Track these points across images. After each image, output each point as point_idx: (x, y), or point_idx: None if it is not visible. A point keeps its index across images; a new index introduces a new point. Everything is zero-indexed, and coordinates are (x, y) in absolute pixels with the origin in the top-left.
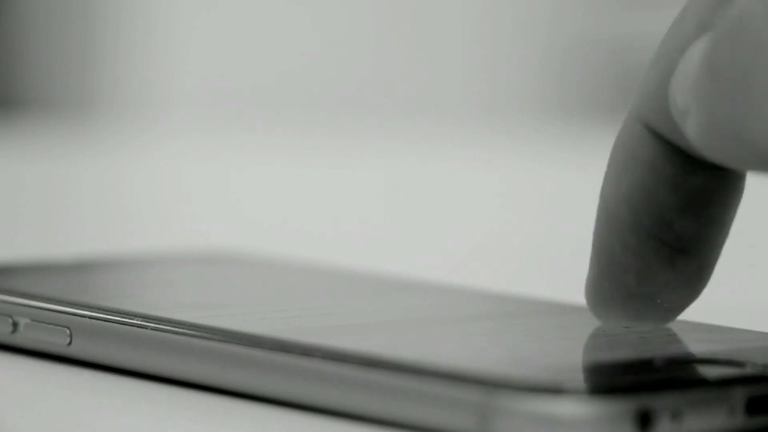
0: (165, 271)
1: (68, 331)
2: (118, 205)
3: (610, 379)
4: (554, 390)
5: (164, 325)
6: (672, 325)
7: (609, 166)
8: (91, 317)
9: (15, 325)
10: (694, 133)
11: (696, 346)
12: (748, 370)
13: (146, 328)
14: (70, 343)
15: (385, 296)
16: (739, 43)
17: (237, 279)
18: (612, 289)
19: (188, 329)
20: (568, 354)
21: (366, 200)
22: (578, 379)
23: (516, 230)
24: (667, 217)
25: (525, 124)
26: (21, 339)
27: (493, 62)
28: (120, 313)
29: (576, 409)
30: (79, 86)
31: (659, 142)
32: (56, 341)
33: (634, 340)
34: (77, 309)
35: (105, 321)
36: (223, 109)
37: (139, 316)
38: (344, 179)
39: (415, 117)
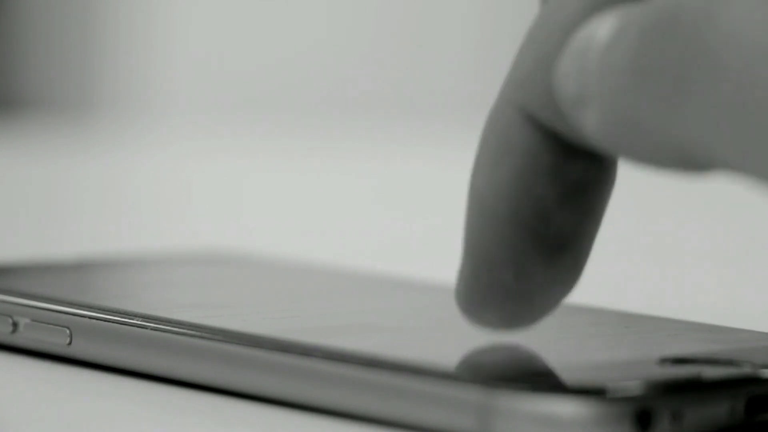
0: (165, 271)
1: (68, 331)
2: (119, 205)
3: (610, 379)
4: (554, 390)
5: (164, 325)
6: (672, 325)
7: (480, 153)
8: (91, 317)
9: (15, 325)
10: (593, 125)
11: (696, 346)
12: (748, 370)
13: (146, 328)
14: (70, 343)
15: (385, 296)
16: (673, 39)
17: (237, 279)
18: (487, 287)
19: (188, 329)
20: (568, 354)
21: (366, 200)
22: (578, 379)
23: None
24: (546, 210)
25: None
26: (21, 339)
27: (493, 63)
28: (120, 313)
29: (576, 409)
30: (79, 86)
31: (536, 128)
32: (56, 341)
33: (634, 340)
34: (77, 309)
35: (105, 321)
36: (223, 109)
37: (139, 316)
38: (344, 180)
39: (416, 118)
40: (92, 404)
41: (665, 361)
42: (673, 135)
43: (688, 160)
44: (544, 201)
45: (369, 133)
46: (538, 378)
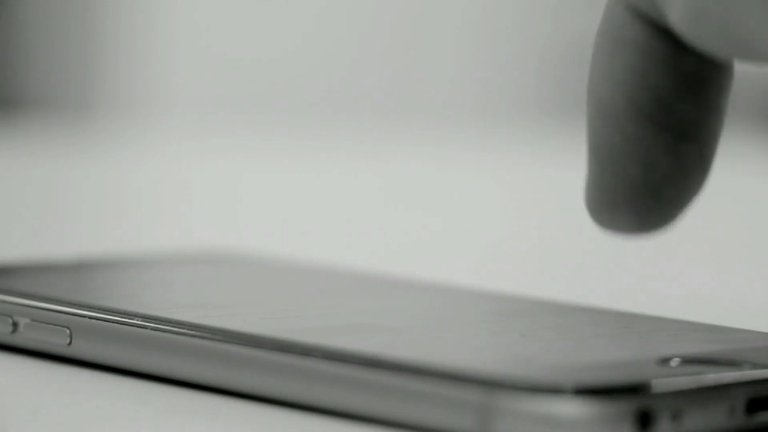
0: (165, 271)
1: (68, 331)
2: (119, 205)
3: (610, 379)
4: (554, 390)
5: (164, 325)
6: (672, 325)
7: (595, 55)
8: (91, 317)
9: (15, 325)
10: (676, 21)
11: (696, 346)
12: (748, 370)
13: (146, 328)
14: (70, 343)
15: (386, 296)
16: None
17: (237, 279)
18: (615, 184)
19: (188, 329)
20: (568, 354)
21: (366, 200)
22: (578, 379)
23: (515, 230)
24: (665, 100)
25: (524, 124)
26: (21, 339)
27: (494, 62)
28: (120, 313)
29: (576, 409)
30: (79, 86)
31: (646, 24)
32: (56, 341)
33: (634, 340)
34: (77, 309)
35: (105, 321)
36: (222, 109)
37: (139, 316)
38: (345, 180)
39: (416, 118)
40: (92, 404)
41: (665, 361)
42: (736, 24)
43: (755, 50)
44: (663, 91)
45: (369, 133)
46: (538, 378)
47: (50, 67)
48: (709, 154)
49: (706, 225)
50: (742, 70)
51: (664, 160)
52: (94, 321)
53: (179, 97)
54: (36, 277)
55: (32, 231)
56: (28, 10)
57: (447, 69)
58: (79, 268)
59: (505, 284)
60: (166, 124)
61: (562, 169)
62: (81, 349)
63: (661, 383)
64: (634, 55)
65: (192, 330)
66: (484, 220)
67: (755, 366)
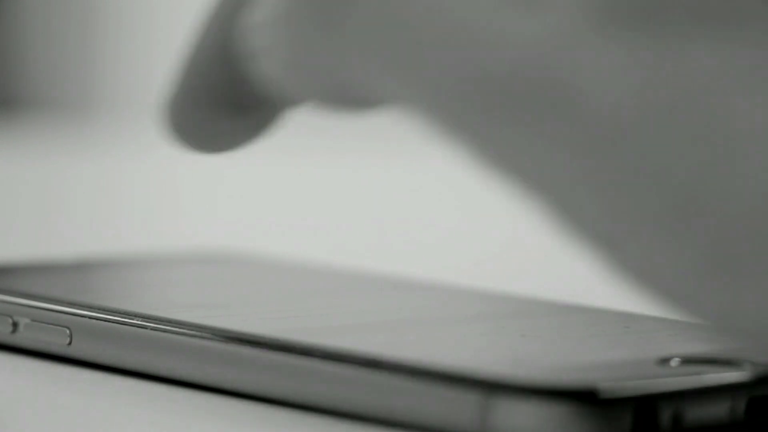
0: (165, 271)
1: (68, 331)
2: (118, 205)
3: (610, 380)
4: (554, 390)
5: (164, 325)
6: (672, 325)
7: (200, 35)
8: (91, 317)
9: (15, 325)
10: (276, 71)
11: (696, 346)
12: (748, 370)
13: (146, 328)
14: (70, 343)
15: (385, 296)
16: None
17: (237, 279)
18: (189, 111)
19: (188, 329)
20: (568, 354)
21: (366, 200)
22: (578, 379)
23: (516, 230)
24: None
25: None
26: (21, 339)
27: None
28: (120, 313)
29: (576, 409)
30: (79, 86)
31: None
32: (56, 341)
33: (634, 340)
34: (77, 309)
35: (105, 321)
36: None
37: (139, 316)
38: (344, 179)
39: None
40: (92, 404)
41: (665, 361)
42: (337, 66)
43: (352, 94)
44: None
45: (369, 132)
46: (538, 378)
47: (50, 67)
48: (268, 119)
49: None
50: None
51: (226, 121)
52: (94, 321)
53: None
54: (36, 277)
55: (32, 231)
56: (28, 10)
57: None
58: (79, 268)
59: (505, 284)
60: None
61: None
62: (81, 349)
63: (661, 383)
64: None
65: (192, 330)
66: (484, 220)
67: (755, 366)
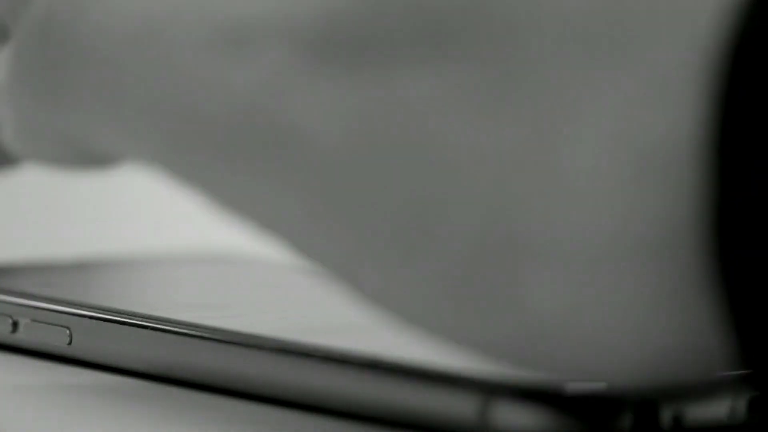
0: (165, 271)
1: (68, 331)
2: (118, 205)
3: (610, 380)
4: (554, 390)
5: (164, 325)
6: None
7: None
8: (91, 317)
9: (15, 325)
10: (10, 138)
11: None
12: (747, 370)
13: (146, 328)
14: (70, 343)
15: None
16: (47, 39)
17: (237, 279)
18: None
19: (188, 329)
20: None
21: None
22: (578, 379)
23: None
24: None
25: None
26: (21, 339)
27: None
28: (120, 313)
29: (575, 409)
30: None
31: None
32: (56, 341)
33: None
34: (77, 309)
35: (105, 321)
36: None
37: (139, 316)
38: None
39: None
40: (92, 404)
41: None
42: (64, 129)
43: (87, 154)
44: None
45: None
46: (537, 379)
47: None
48: None
49: None
50: None
51: None
52: (94, 321)
53: None
54: (36, 277)
55: (32, 231)
56: None
57: None
58: (79, 268)
59: None
60: None
61: None
62: (81, 349)
63: (661, 383)
64: None
65: (192, 330)
66: None
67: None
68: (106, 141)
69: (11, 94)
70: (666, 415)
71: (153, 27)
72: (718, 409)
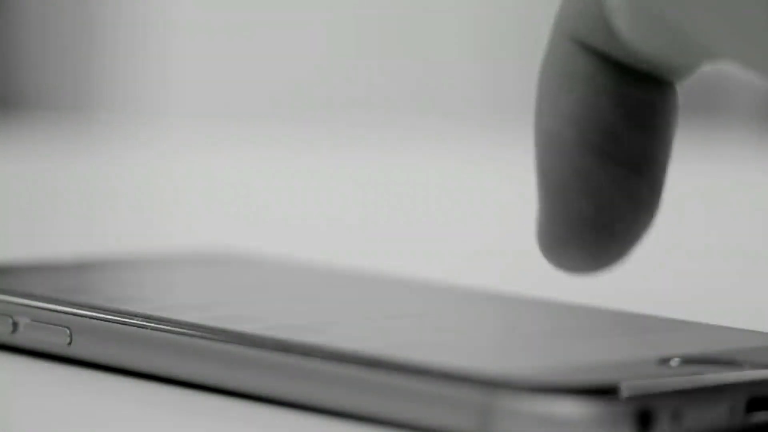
0: (165, 271)
1: (68, 331)
2: (118, 205)
3: (610, 379)
4: (554, 390)
5: (164, 325)
6: (672, 325)
7: (541, 89)
8: (91, 317)
9: (15, 325)
10: (624, 27)
11: (696, 346)
12: (748, 370)
13: (146, 328)
14: (70, 343)
15: (386, 296)
16: None
17: (237, 279)
18: (566, 220)
19: (188, 329)
20: (568, 354)
21: (366, 200)
22: (578, 379)
23: (516, 229)
24: (614, 133)
25: (524, 122)
26: (21, 339)
27: (493, 60)
28: (120, 313)
29: (576, 409)
30: (79, 86)
31: (594, 56)
32: (56, 341)
33: (634, 340)
34: (77, 309)
35: (105, 321)
36: (221, 109)
37: (139, 316)
38: (344, 179)
39: (415, 116)
40: (92, 404)
41: (665, 361)
42: (682, 23)
43: (701, 51)
44: (610, 122)
45: (370, 132)
46: (538, 378)
47: (50, 67)
48: (658, 188)
49: (707, 224)
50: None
51: (615, 195)
52: (94, 321)
53: (178, 96)
54: (36, 277)
55: (32, 231)
56: (28, 10)
57: (448, 67)
58: (79, 268)
59: (504, 284)
60: (165, 124)
61: None
62: (81, 349)
63: (661, 383)
64: (581, 89)
65: (192, 330)
66: (484, 219)
67: (755, 366)
68: (715, 38)
69: None
70: (666, 416)
71: None
72: (717, 409)
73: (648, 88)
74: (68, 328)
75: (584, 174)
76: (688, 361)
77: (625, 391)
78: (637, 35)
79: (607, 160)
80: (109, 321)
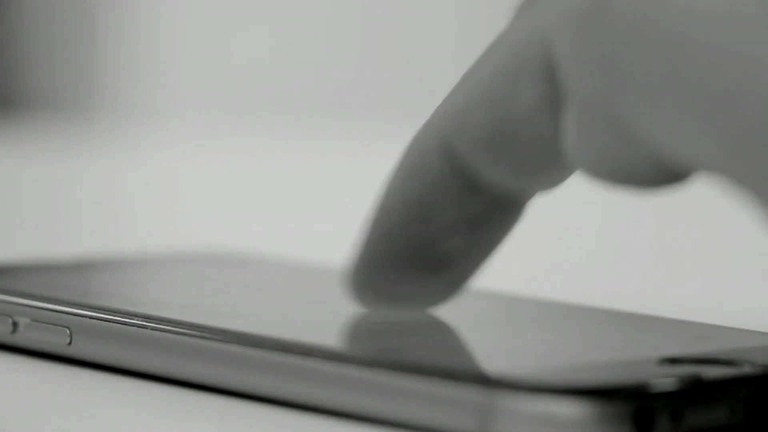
0: (165, 271)
1: (68, 331)
2: (118, 205)
3: (610, 379)
4: (554, 390)
5: (164, 325)
6: (672, 325)
7: (396, 168)
8: (91, 317)
9: (15, 325)
10: (572, 141)
11: (696, 346)
12: (748, 370)
13: (146, 328)
14: (70, 343)
15: None
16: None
17: (237, 279)
18: (371, 280)
19: (188, 329)
20: (567, 354)
21: (366, 200)
22: (578, 379)
23: (516, 229)
24: (437, 236)
25: None
26: (21, 339)
27: None
28: (120, 313)
29: (576, 409)
30: (79, 86)
31: (450, 161)
32: (56, 341)
33: (634, 340)
34: (77, 309)
35: (105, 321)
36: (221, 109)
37: (139, 316)
38: (344, 179)
39: (415, 115)
40: (92, 404)
41: (665, 361)
42: (627, 122)
43: (650, 160)
44: (438, 227)
45: (369, 132)
46: (538, 378)
47: (50, 67)
48: (461, 282)
49: (707, 224)
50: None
51: (415, 282)
52: (94, 321)
53: (178, 97)
54: (36, 277)
55: (32, 231)
56: (28, 10)
57: (447, 67)
58: (79, 268)
59: (504, 284)
60: (166, 124)
61: None
62: (81, 349)
63: (661, 383)
64: (426, 189)
65: (192, 330)
66: None
67: (755, 366)
68: (672, 139)
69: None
70: (665, 416)
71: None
72: (717, 409)
73: (490, 204)
74: (68, 328)
75: (394, 258)
76: (688, 361)
77: (624, 391)
78: (586, 155)
79: (419, 257)
80: (109, 321)
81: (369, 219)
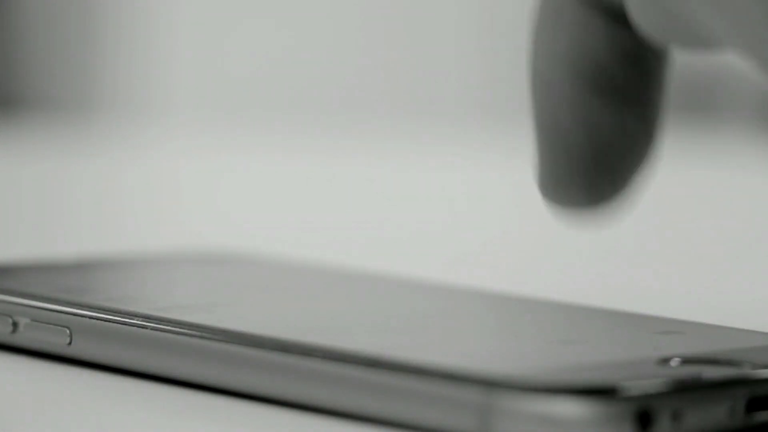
0: (165, 271)
1: (68, 331)
2: (118, 205)
3: (610, 379)
4: (554, 390)
5: (164, 325)
6: (672, 325)
7: (535, 31)
8: (91, 317)
9: (15, 325)
10: (632, 11)
11: (696, 346)
12: (748, 370)
13: (146, 328)
14: (70, 343)
15: (386, 296)
16: None
17: (237, 279)
18: (566, 163)
19: (188, 329)
20: (568, 354)
21: (366, 200)
22: (578, 379)
23: (516, 229)
24: (606, 68)
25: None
26: (21, 339)
27: (491, 60)
28: (120, 313)
29: (576, 409)
30: (79, 86)
31: (588, 6)
32: (56, 341)
33: (634, 340)
34: (77, 309)
35: (105, 321)
36: (221, 109)
37: (139, 316)
38: (344, 179)
39: (414, 115)
40: (92, 404)
41: (665, 361)
42: (682, 14)
43: (702, 41)
44: (604, 60)
45: (369, 132)
46: (538, 378)
47: (50, 67)
48: (652, 125)
49: (707, 224)
50: (743, 71)
51: (609, 129)
52: (94, 321)
53: (178, 97)
54: (36, 277)
55: (32, 231)
56: (28, 10)
57: (446, 67)
58: (79, 268)
59: (504, 283)
60: (166, 124)
61: None
62: (81, 349)
63: (661, 383)
64: (575, 32)
65: (192, 330)
66: (483, 219)
67: (755, 366)
68: (709, 25)
69: None
70: (665, 416)
71: None
72: (717, 409)
73: (641, 41)
74: (68, 328)
75: (578, 109)
76: (688, 361)
77: (624, 391)
78: (643, 20)
79: (599, 91)
80: (109, 321)
81: (533, 101)
